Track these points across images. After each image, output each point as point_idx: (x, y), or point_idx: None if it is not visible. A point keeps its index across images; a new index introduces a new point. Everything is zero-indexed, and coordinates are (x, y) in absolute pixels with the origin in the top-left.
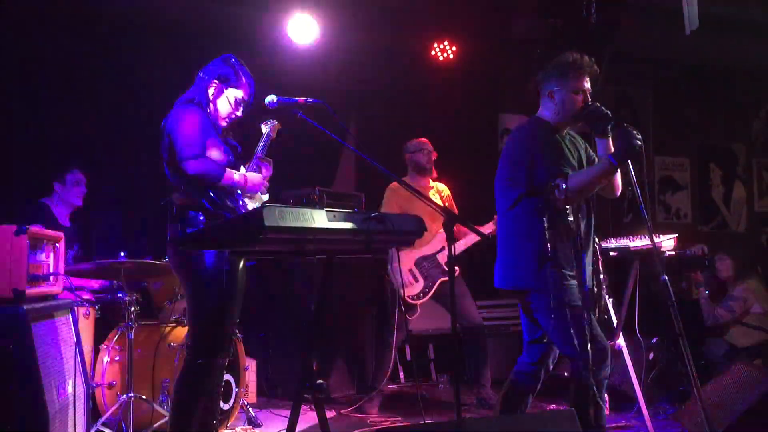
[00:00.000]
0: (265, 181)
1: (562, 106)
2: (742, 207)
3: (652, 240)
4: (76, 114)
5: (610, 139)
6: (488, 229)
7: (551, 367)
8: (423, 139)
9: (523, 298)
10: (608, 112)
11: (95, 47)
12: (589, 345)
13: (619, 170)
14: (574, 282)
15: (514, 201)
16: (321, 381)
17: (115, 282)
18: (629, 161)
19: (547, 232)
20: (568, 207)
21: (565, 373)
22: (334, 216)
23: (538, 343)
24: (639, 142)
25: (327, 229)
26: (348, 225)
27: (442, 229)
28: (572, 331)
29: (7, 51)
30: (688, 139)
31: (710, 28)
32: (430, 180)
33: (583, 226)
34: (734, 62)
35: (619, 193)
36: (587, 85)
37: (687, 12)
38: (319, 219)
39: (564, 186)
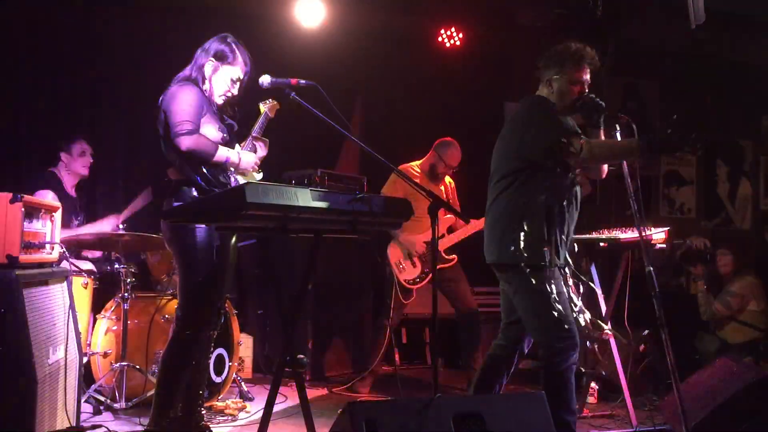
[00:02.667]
0: (257, 160)
1: (559, 96)
2: (747, 204)
3: (639, 231)
4: (82, 85)
5: (602, 131)
6: (478, 225)
7: (525, 350)
8: (457, 153)
9: (504, 273)
10: (602, 103)
11: (102, 20)
12: (566, 333)
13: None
14: (561, 269)
15: (516, 174)
16: (301, 356)
17: (113, 253)
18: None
19: (546, 212)
20: (572, 188)
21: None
22: (319, 195)
23: (515, 325)
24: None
25: (311, 208)
26: (332, 205)
27: (443, 216)
28: (549, 319)
29: (13, 21)
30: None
31: (720, 23)
32: None
33: (575, 215)
34: (744, 57)
35: (604, 176)
36: (587, 77)
37: (692, 5)
38: (303, 198)
39: (581, 146)
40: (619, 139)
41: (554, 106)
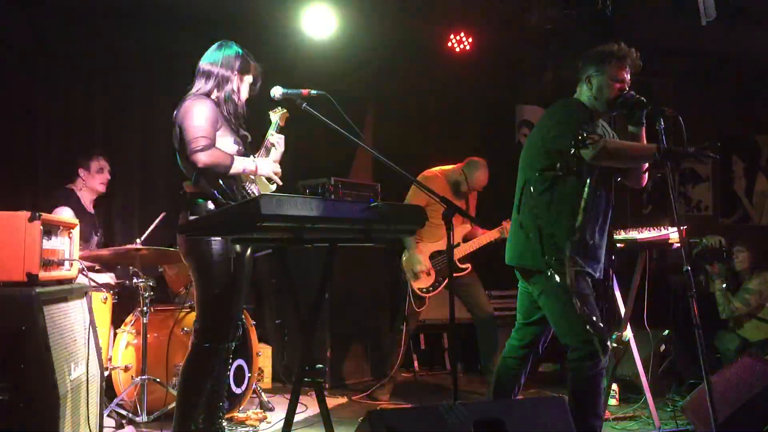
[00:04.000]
0: (277, 157)
1: (599, 92)
2: (765, 200)
3: (680, 231)
4: (96, 100)
5: (643, 129)
6: (494, 235)
7: (540, 351)
8: (485, 176)
9: (530, 277)
10: (644, 99)
11: (117, 36)
12: (594, 337)
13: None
14: (588, 270)
15: (545, 176)
16: (320, 365)
17: (131, 268)
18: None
19: (576, 216)
20: (596, 192)
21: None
22: (333, 205)
23: (531, 326)
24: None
25: (325, 218)
26: (346, 214)
27: (461, 224)
28: (578, 323)
29: (31, 39)
30: (710, 131)
31: (731, 18)
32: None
33: (605, 215)
34: (757, 53)
35: (644, 185)
36: (627, 76)
37: (702, 2)
38: (317, 208)
39: (598, 142)
40: (663, 133)
41: (580, 106)
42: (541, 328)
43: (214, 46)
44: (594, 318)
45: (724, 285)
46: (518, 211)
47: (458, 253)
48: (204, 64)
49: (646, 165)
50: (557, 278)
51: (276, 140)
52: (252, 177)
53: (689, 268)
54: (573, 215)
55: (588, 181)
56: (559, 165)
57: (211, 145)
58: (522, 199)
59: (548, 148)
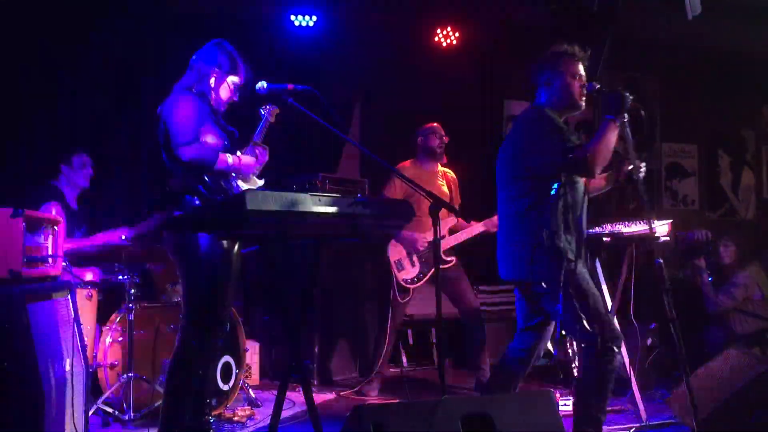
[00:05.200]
0: (259, 165)
1: (563, 91)
2: (751, 194)
3: (649, 223)
4: (81, 96)
5: (602, 104)
6: (479, 229)
7: (541, 354)
8: (435, 124)
9: (529, 287)
10: (624, 92)
11: (101, 30)
12: (610, 334)
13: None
14: (585, 269)
15: (524, 190)
16: (308, 362)
17: (116, 264)
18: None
19: (559, 224)
20: (577, 198)
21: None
22: (319, 200)
23: (532, 331)
24: (629, 95)
25: (312, 213)
26: (333, 209)
27: (446, 217)
28: (591, 318)
29: (16, 34)
30: (696, 126)
31: (718, 13)
32: (439, 165)
33: (584, 217)
34: (743, 47)
35: (604, 189)
36: (582, 71)
37: None
38: (304, 203)
39: (585, 154)
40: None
41: (552, 115)
42: (539, 333)
43: (208, 44)
44: (605, 313)
45: (710, 279)
46: (502, 224)
47: (444, 245)
48: (192, 59)
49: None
50: (561, 284)
51: (259, 152)
52: (241, 175)
53: (661, 260)
54: (563, 221)
55: (573, 184)
56: (544, 178)
57: (196, 139)
58: (506, 212)
59: (532, 171)
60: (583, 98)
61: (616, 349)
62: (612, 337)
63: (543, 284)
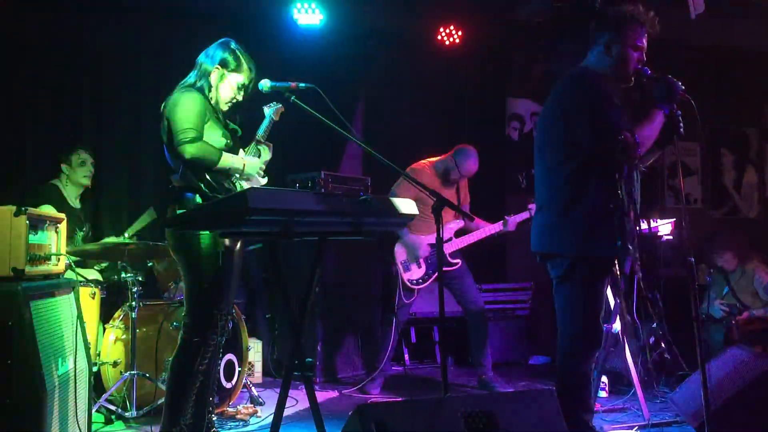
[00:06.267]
0: (262, 165)
1: (620, 62)
2: (754, 192)
3: (684, 223)
4: (83, 95)
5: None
6: (496, 228)
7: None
8: (475, 164)
9: (550, 262)
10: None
11: (103, 28)
12: (592, 336)
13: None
14: (608, 266)
15: (570, 163)
16: (310, 359)
17: (119, 262)
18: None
19: (605, 201)
20: (630, 175)
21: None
22: (322, 198)
23: None
24: (681, 86)
25: (314, 211)
26: (336, 207)
27: (453, 220)
28: (580, 320)
29: (18, 34)
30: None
31: (721, 11)
32: None
33: (638, 198)
34: (746, 45)
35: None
36: (645, 44)
37: None
38: (307, 201)
39: (636, 140)
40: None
41: (602, 80)
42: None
43: (215, 42)
44: (595, 314)
45: (727, 309)
46: (542, 196)
47: (450, 247)
48: (199, 57)
49: None
50: (576, 268)
51: (263, 147)
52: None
53: (693, 259)
54: (603, 202)
55: (621, 166)
56: (588, 154)
57: (199, 137)
58: (552, 182)
59: (576, 140)
60: (634, 76)
61: (591, 351)
62: (589, 338)
63: (558, 257)
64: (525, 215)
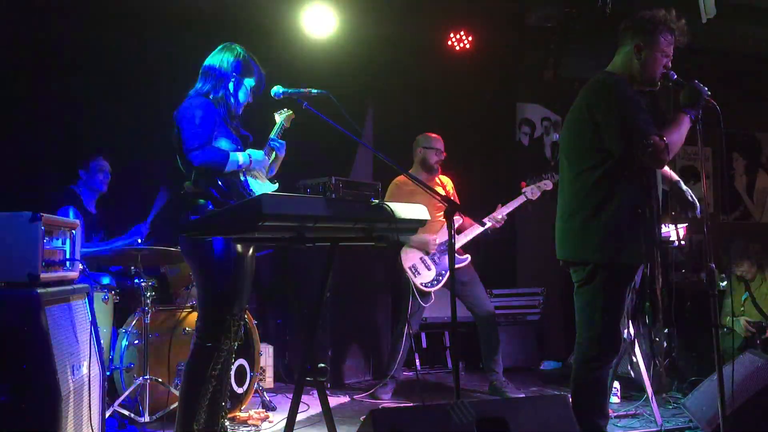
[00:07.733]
0: (277, 161)
1: (649, 67)
2: (766, 196)
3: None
4: (99, 102)
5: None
6: (479, 228)
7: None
8: (437, 136)
9: (575, 271)
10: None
11: (118, 37)
12: (610, 341)
13: None
14: (632, 272)
15: (598, 170)
16: (323, 365)
17: (132, 268)
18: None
19: (635, 207)
20: (652, 179)
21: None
22: (334, 204)
23: None
24: (708, 91)
25: (327, 216)
26: (348, 213)
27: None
28: (600, 325)
29: (33, 40)
30: (710, 128)
31: (731, 16)
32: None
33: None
34: (757, 49)
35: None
36: (671, 51)
37: (703, 0)
38: (319, 207)
39: (665, 145)
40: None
41: (629, 86)
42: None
43: (218, 48)
44: (614, 319)
45: (750, 323)
46: (565, 202)
47: (457, 245)
48: (206, 64)
49: None
50: (597, 273)
51: (277, 145)
52: (252, 171)
53: (714, 265)
54: (629, 209)
55: (645, 174)
56: (615, 158)
57: (207, 143)
58: (576, 188)
59: (602, 144)
60: (660, 80)
61: (609, 357)
62: (609, 343)
63: (581, 265)
64: (521, 200)
